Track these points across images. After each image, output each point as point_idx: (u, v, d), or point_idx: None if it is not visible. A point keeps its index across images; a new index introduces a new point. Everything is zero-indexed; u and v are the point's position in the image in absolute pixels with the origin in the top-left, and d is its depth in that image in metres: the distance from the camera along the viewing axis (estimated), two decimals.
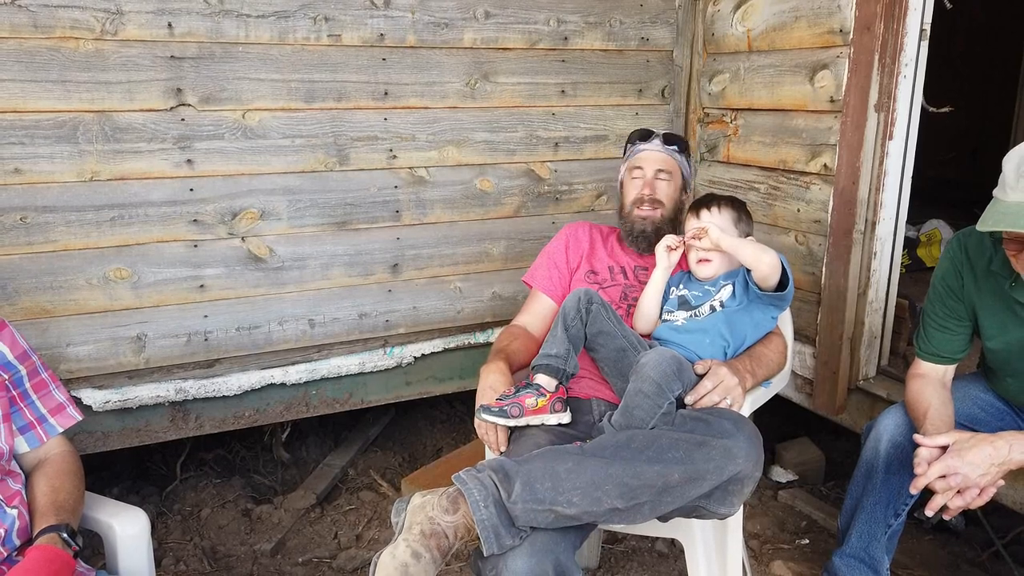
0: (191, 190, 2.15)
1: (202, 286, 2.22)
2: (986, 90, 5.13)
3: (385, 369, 2.53)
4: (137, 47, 2.03)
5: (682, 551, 2.29)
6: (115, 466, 2.74)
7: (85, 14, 1.96)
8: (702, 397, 1.50)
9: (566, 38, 2.55)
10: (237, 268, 2.25)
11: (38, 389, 1.43)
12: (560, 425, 1.58)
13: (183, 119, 2.11)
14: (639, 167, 1.91)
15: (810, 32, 2.31)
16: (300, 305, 2.36)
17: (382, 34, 2.29)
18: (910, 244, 3.47)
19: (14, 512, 1.30)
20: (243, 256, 2.25)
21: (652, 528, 1.50)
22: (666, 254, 1.76)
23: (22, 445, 1.38)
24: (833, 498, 2.65)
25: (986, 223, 1.37)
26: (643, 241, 1.89)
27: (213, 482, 2.72)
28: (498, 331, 2.64)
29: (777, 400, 2.61)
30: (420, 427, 3.17)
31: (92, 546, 1.56)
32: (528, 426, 1.56)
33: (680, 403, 1.51)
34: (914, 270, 3.43)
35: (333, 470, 2.84)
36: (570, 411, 1.61)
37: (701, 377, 1.53)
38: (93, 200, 2.05)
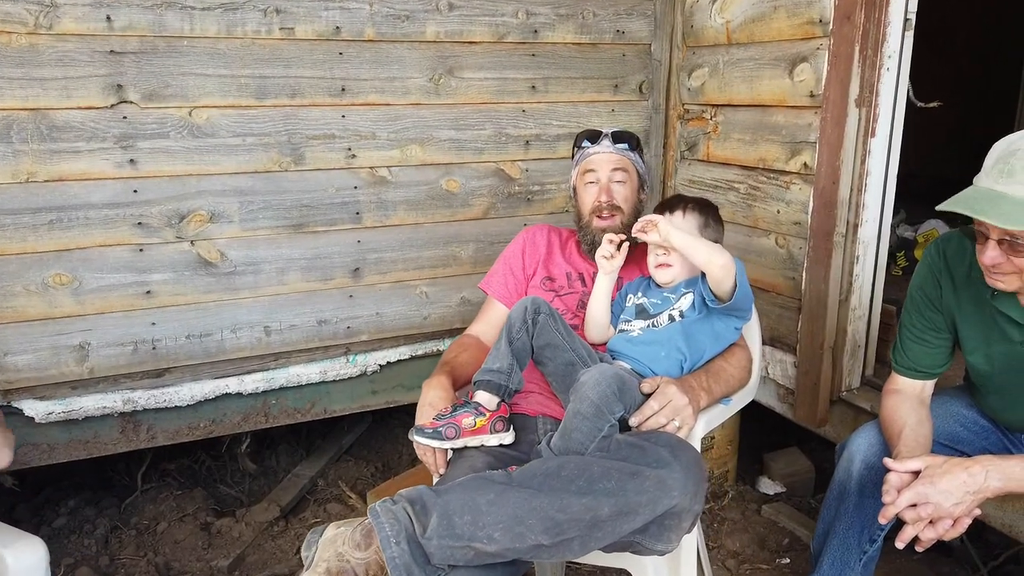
0: (135, 191, 2.06)
1: (149, 292, 2.12)
2: (988, 84, 4.96)
3: (349, 378, 2.42)
4: (73, 41, 1.93)
5: None
6: (75, 476, 2.66)
7: (17, 7, 1.87)
8: (647, 419, 1.37)
9: (536, 31, 2.43)
10: (186, 273, 2.15)
11: None
12: (502, 446, 1.47)
13: (125, 117, 2.01)
14: (592, 170, 1.77)
15: (789, 23, 2.18)
16: (255, 312, 2.26)
17: (338, 27, 2.18)
18: (907, 246, 3.33)
19: None
20: (192, 260, 2.15)
21: (597, 558, 1.38)
22: (606, 261, 1.63)
23: None
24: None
25: (945, 204, 1.25)
26: None
27: (174, 493, 2.63)
28: None
29: (763, 408, 2.49)
30: (397, 435, 3.07)
31: None
32: (466, 447, 1.45)
33: (625, 425, 1.39)
34: (911, 273, 3.28)
35: (301, 480, 2.74)
36: (514, 430, 1.50)
37: (648, 396, 1.41)
38: (29, 202, 1.96)
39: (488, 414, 1.45)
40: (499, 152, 2.46)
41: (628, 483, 1.20)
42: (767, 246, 2.30)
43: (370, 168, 2.31)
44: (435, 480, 1.53)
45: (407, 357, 2.49)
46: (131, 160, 2.04)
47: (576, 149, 1.81)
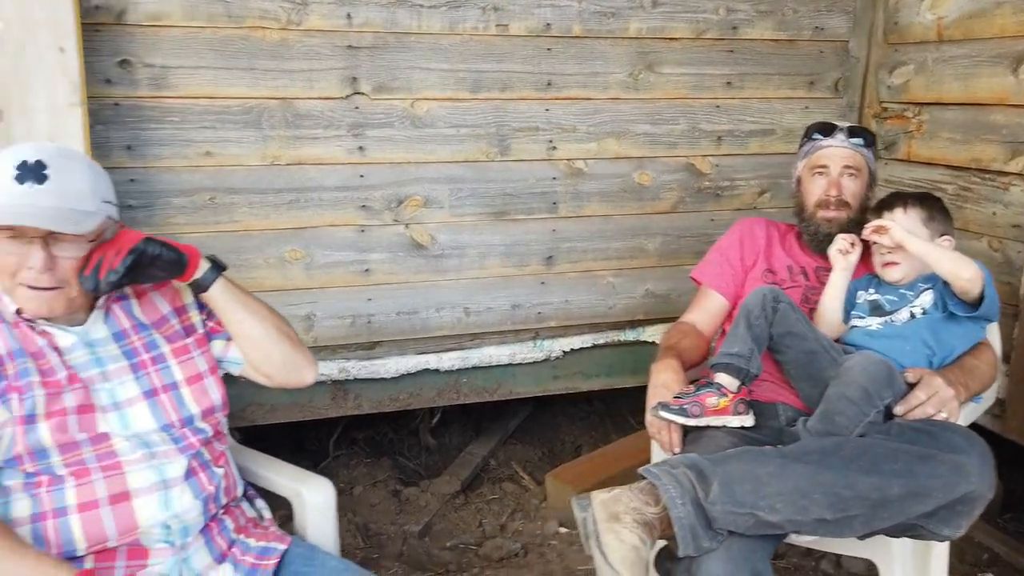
0: (361, 176, 2.22)
1: (367, 270, 2.28)
2: None
3: (534, 362, 2.52)
4: (318, 37, 2.11)
5: (851, 573, 2.16)
6: (272, 438, 2.88)
7: (273, 4, 2.06)
8: (914, 408, 1.38)
9: (735, 27, 2.44)
10: (400, 254, 2.30)
11: None
12: (743, 428, 1.50)
13: (357, 107, 2.18)
14: (823, 165, 1.78)
15: (1015, 19, 2.10)
16: (457, 293, 2.38)
17: (548, 24, 2.28)
18: None
19: (220, 471, 1.37)
20: (406, 242, 2.30)
21: (845, 545, 1.40)
22: (841, 256, 1.64)
23: (232, 353, 1.44)
24: (1013, 531, 2.41)
25: None
26: (827, 244, 1.76)
27: (364, 461, 2.80)
28: (649, 330, 2.59)
29: None
30: (559, 423, 3.15)
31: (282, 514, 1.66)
32: (708, 427, 1.50)
33: (887, 414, 1.39)
34: None
35: (475, 459, 2.86)
36: (753, 414, 1.53)
37: (911, 386, 1.41)
38: (274, 183, 2.15)
39: (730, 395, 1.49)
40: (691, 147, 2.49)
41: (918, 466, 1.21)
42: (979, 249, 2.23)
43: (568, 160, 2.40)
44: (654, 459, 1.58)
45: (589, 345, 2.56)
46: (360, 147, 2.20)
47: (806, 140, 1.83)
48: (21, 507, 1.22)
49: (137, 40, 1.95)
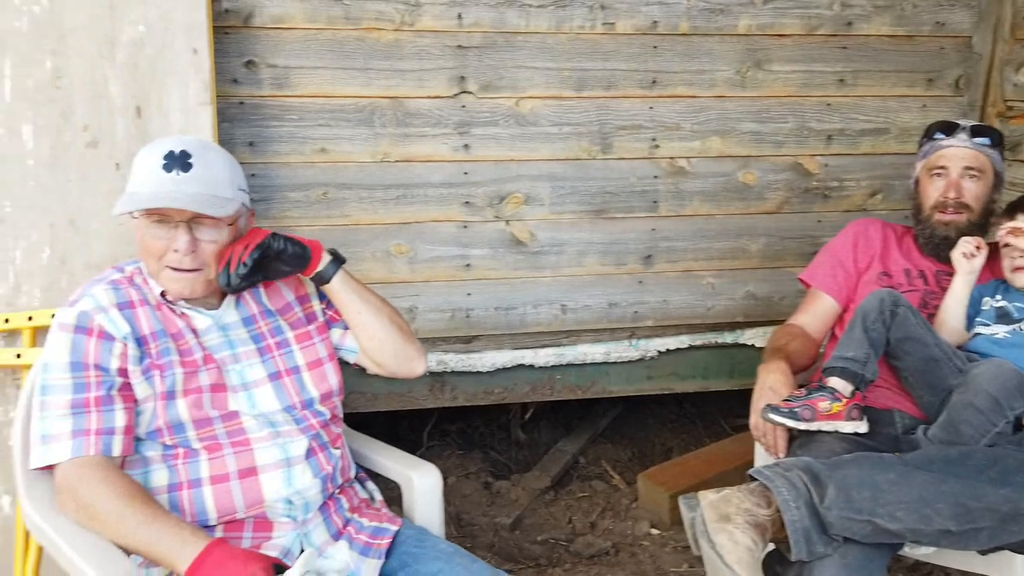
0: (465, 173, 2.27)
1: (468, 265, 2.33)
2: None
3: (629, 361, 2.51)
4: (429, 37, 2.17)
5: None
6: (371, 428, 2.98)
7: (388, 6, 2.13)
8: None
9: (850, 23, 2.37)
10: (500, 250, 2.34)
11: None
12: (856, 435, 1.46)
13: (463, 106, 2.22)
14: (942, 166, 1.71)
15: None
16: (554, 290, 2.40)
17: (655, 21, 2.27)
18: None
19: (338, 452, 1.43)
20: (506, 239, 2.34)
21: (963, 560, 1.34)
22: (966, 260, 1.57)
23: (348, 349, 1.52)
24: None
25: None
26: (945, 248, 1.70)
27: (456, 453, 2.86)
28: (749, 332, 2.54)
29: None
30: (649, 424, 3.13)
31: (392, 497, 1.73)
32: (820, 432, 1.46)
33: (1016, 425, 1.33)
34: None
35: (565, 456, 2.88)
36: (867, 420, 1.48)
37: None
38: (383, 179, 2.22)
39: (844, 400, 1.45)
40: (799, 146, 2.43)
41: None
42: None
43: (670, 159, 2.38)
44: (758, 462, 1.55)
45: (686, 346, 2.53)
46: (465, 145, 2.25)
47: (925, 140, 1.76)
48: (159, 477, 1.32)
49: (262, 42, 2.06)
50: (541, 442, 3.02)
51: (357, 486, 1.52)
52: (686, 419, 3.14)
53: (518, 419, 2.94)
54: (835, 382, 1.48)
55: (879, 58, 2.40)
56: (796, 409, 1.45)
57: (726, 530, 1.21)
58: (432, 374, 2.39)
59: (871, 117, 2.44)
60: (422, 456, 2.79)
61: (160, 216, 1.30)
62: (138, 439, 1.32)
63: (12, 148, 1.81)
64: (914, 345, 1.47)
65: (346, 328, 1.50)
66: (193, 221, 1.31)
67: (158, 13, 1.83)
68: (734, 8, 2.29)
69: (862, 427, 1.47)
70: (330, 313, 1.51)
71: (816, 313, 1.80)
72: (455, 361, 2.38)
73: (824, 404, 1.45)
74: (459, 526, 2.47)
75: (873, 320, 1.49)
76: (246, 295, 1.45)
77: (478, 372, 2.41)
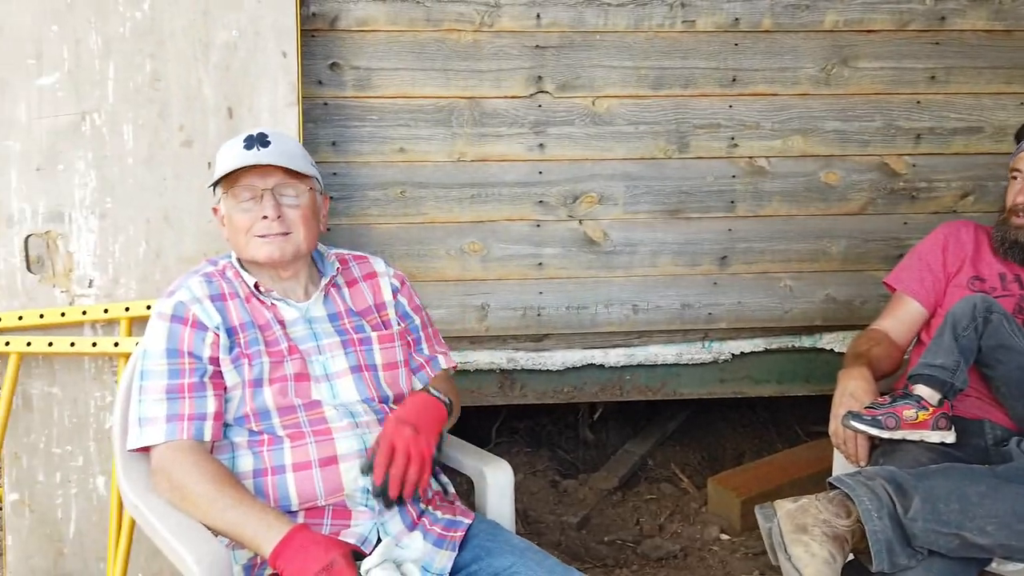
0: (540, 173, 2.28)
1: (540, 264, 2.34)
2: None
3: (701, 363, 2.48)
4: (508, 37, 2.19)
5: None
6: None
7: (468, 8, 2.16)
8: None
9: (943, 18, 2.27)
10: (572, 249, 2.34)
11: (428, 338, 1.61)
12: (943, 445, 1.41)
13: (540, 105, 2.24)
14: (1017, 168, 1.66)
15: None
16: (626, 290, 2.39)
17: (737, 19, 2.23)
18: None
19: None
20: (579, 238, 2.34)
21: None
22: None
23: (415, 383, 1.55)
24: None
25: None
26: (1018, 253, 1.66)
27: (524, 451, 2.88)
28: (827, 337, 2.47)
29: None
30: (719, 428, 3.08)
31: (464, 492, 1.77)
32: (904, 440, 1.42)
33: None
34: None
35: (633, 457, 2.86)
36: (954, 430, 1.43)
37: None
38: (458, 179, 2.25)
39: (931, 409, 1.40)
40: (886, 145, 2.35)
41: None
42: None
43: (749, 158, 2.33)
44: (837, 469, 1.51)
45: (761, 349, 2.48)
46: (540, 144, 2.26)
47: (1016, 142, 1.69)
48: (245, 462, 1.37)
49: (346, 44, 2.12)
50: (609, 443, 3.01)
51: (431, 479, 1.55)
52: (758, 423, 3.07)
53: (586, 419, 2.94)
54: (921, 390, 1.43)
55: (974, 54, 2.30)
56: (879, 417, 1.41)
57: (803, 542, 1.18)
58: (502, 372, 2.42)
59: (964, 115, 2.34)
60: (490, 451, 2.87)
61: (246, 189, 1.41)
62: (226, 425, 1.38)
63: (114, 147, 1.92)
64: (1008, 354, 1.41)
65: (416, 371, 1.57)
66: (276, 190, 1.41)
67: (249, 18, 1.91)
68: (820, 4, 2.23)
69: (949, 437, 1.41)
70: (419, 360, 1.58)
71: (901, 318, 1.75)
72: (525, 359, 2.39)
73: (909, 412, 1.40)
74: (526, 523, 2.49)
75: (964, 327, 1.43)
76: (333, 292, 1.51)
77: (548, 371, 2.42)
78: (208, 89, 1.93)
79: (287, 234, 1.41)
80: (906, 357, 1.79)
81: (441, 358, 1.61)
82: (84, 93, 1.89)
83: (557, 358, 2.41)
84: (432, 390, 1.47)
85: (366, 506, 1.37)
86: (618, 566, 2.32)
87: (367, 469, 1.31)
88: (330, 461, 1.36)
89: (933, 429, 1.40)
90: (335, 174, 2.18)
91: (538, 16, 2.17)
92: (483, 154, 2.25)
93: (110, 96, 1.91)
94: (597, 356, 2.43)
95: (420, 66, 2.17)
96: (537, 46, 2.20)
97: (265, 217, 1.39)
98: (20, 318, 1.90)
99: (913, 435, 1.40)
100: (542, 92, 2.23)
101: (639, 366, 2.47)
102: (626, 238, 2.36)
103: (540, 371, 2.43)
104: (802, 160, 2.34)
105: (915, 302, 1.74)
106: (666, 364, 2.47)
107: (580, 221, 2.33)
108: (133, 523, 1.77)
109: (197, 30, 1.91)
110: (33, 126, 1.88)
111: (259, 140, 1.41)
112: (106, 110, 1.91)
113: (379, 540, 1.33)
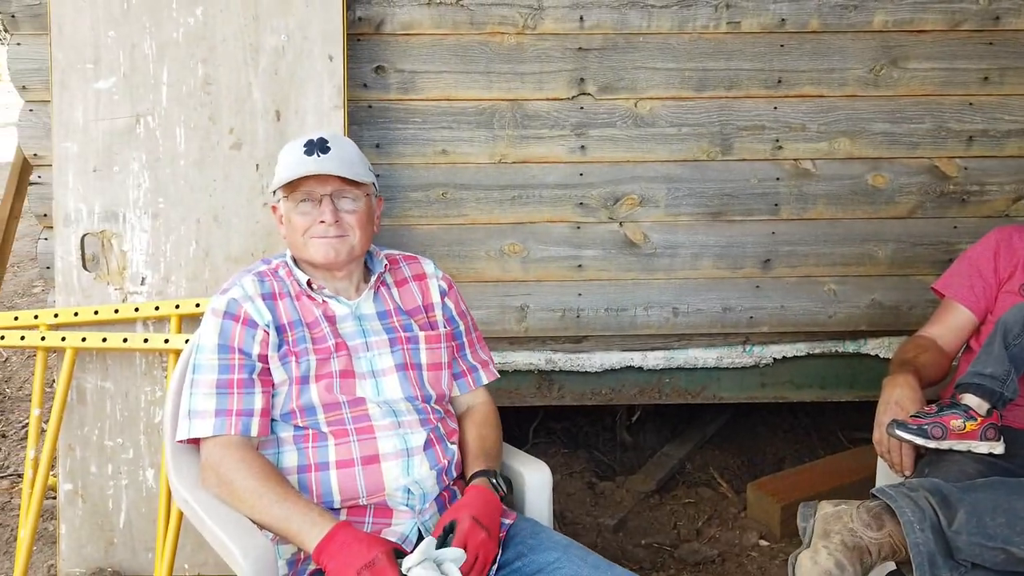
0: (581, 175, 2.28)
1: (580, 266, 2.34)
2: None
3: (742, 367, 2.45)
4: (550, 40, 2.19)
5: None
6: None
7: (512, 11, 2.17)
8: None
9: (997, 17, 2.21)
10: (612, 251, 2.34)
11: (471, 344, 1.62)
12: (991, 455, 1.38)
13: (582, 107, 2.24)
14: None
15: None
16: (666, 292, 2.38)
17: (783, 19, 2.20)
18: None
19: (454, 447, 1.49)
20: (619, 240, 2.33)
21: None
22: None
23: (455, 390, 1.57)
24: None
25: None
26: None
27: (561, 452, 2.89)
28: (872, 342, 2.43)
29: None
30: (759, 433, 3.04)
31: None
32: (951, 450, 1.39)
33: None
34: None
35: (671, 460, 2.84)
36: (1004, 441, 1.40)
37: None
38: (499, 180, 2.27)
39: (979, 419, 1.37)
40: (936, 147, 2.30)
41: None
42: None
43: (794, 160, 2.30)
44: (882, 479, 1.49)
45: (803, 354, 2.45)
46: (581, 146, 2.26)
47: None
48: (290, 459, 1.41)
49: (391, 48, 2.15)
50: (646, 445, 2.99)
51: None
52: (800, 429, 3.03)
53: (624, 421, 2.93)
54: (970, 399, 1.40)
55: None
56: (925, 426, 1.38)
57: (815, 548, 1.18)
58: (540, 372, 2.43)
59: (1018, 117, 2.28)
60: (527, 451, 2.89)
61: (305, 195, 1.44)
62: (272, 421, 1.42)
63: (167, 149, 1.98)
64: None
65: (458, 378, 1.59)
66: (334, 195, 1.45)
67: (297, 23, 1.95)
68: (869, 3, 2.19)
69: (998, 448, 1.38)
70: (462, 367, 1.60)
71: (950, 325, 1.71)
72: (564, 360, 2.40)
73: (957, 422, 1.37)
74: (563, 524, 2.49)
75: (1016, 335, 1.40)
76: (383, 290, 1.54)
77: (586, 372, 2.43)
78: (257, 92, 1.98)
79: (343, 236, 1.45)
80: (954, 364, 1.75)
81: (483, 372, 1.63)
82: (139, 96, 1.96)
83: (596, 360, 2.41)
84: (493, 480, 1.42)
85: (407, 506, 1.39)
86: (655, 570, 2.32)
87: (440, 543, 1.27)
88: (372, 460, 1.39)
89: (981, 439, 1.37)
90: (378, 176, 2.16)
91: (581, 19, 2.18)
92: (524, 156, 2.26)
93: (164, 99, 1.97)
94: (636, 358, 2.42)
95: (463, 69, 2.19)
96: (580, 48, 2.20)
97: (322, 222, 1.44)
98: (76, 314, 1.97)
99: (960, 445, 1.38)
100: (584, 94, 2.23)
101: (678, 369, 2.45)
102: (667, 240, 2.35)
103: (578, 372, 2.43)
104: (849, 162, 2.30)
105: (964, 309, 1.70)
106: (706, 368, 2.45)
107: (621, 223, 2.33)
108: (181, 515, 1.82)
109: (247, 35, 1.96)
110: (90, 128, 1.95)
111: (319, 146, 1.45)
112: (160, 113, 1.96)
113: (420, 538, 1.35)
